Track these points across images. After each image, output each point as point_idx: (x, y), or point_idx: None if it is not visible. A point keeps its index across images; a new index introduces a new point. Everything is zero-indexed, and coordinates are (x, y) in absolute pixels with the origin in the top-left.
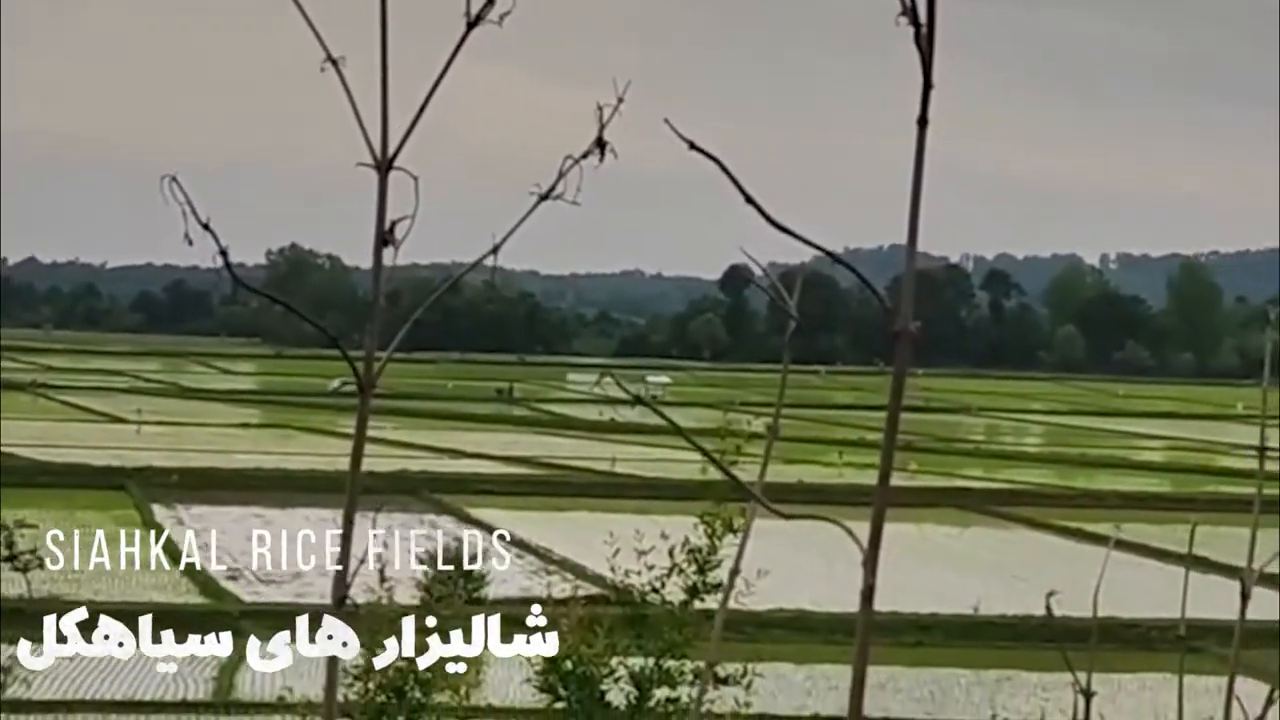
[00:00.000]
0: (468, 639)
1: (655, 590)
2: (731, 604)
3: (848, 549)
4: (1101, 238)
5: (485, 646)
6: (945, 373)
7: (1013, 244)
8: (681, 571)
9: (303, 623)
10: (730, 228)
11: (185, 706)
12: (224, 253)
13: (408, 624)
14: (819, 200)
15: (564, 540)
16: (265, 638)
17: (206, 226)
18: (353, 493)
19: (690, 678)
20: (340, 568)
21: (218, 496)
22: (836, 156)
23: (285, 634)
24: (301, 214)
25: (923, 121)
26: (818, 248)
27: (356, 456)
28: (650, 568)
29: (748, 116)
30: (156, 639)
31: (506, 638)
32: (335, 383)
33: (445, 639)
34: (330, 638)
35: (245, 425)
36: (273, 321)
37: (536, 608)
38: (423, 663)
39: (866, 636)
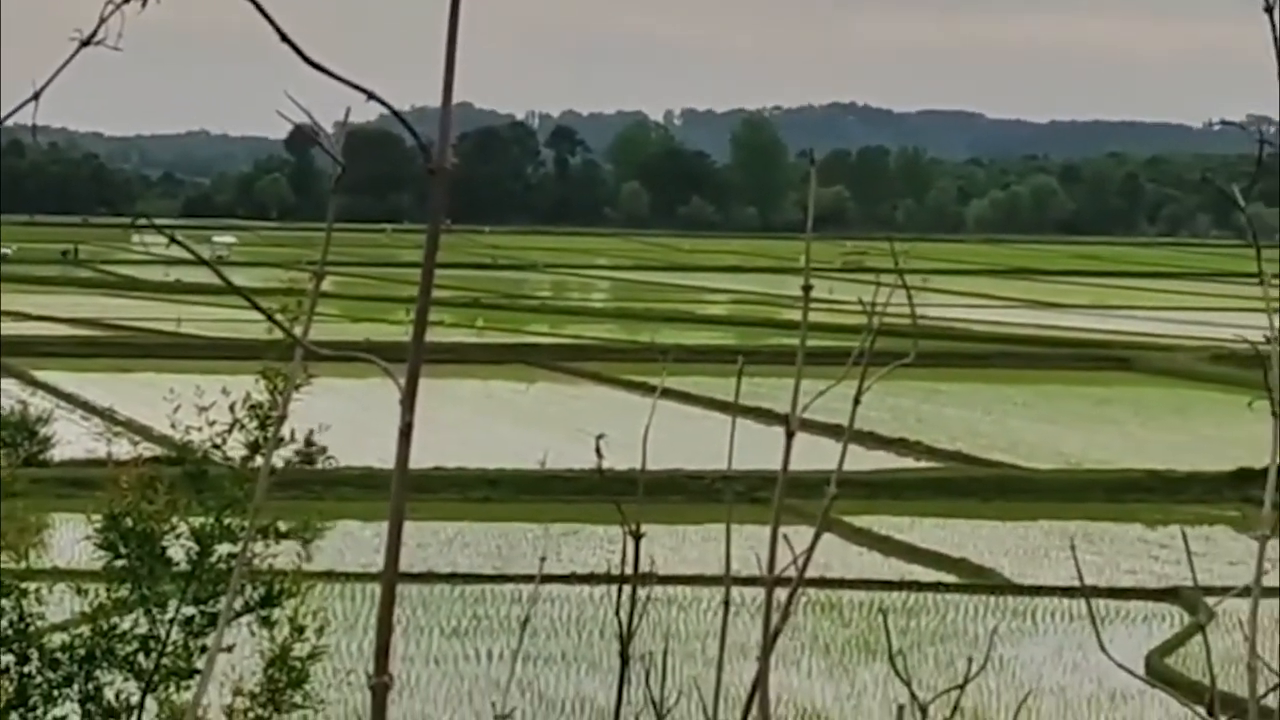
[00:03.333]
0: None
1: (216, 446)
2: (296, 461)
3: (421, 410)
4: (666, 94)
5: None
6: (511, 230)
7: (578, 101)
8: (243, 427)
9: None
10: (296, 88)
11: None
12: None
13: None
14: (386, 60)
15: (129, 401)
16: None
17: None
18: None
19: (253, 533)
20: None
21: None
22: (406, 17)
23: None
24: None
25: None
26: (357, 88)
27: None
28: (212, 423)
29: None
30: None
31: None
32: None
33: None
34: None
35: None
36: None
37: None
38: None
39: (404, 474)
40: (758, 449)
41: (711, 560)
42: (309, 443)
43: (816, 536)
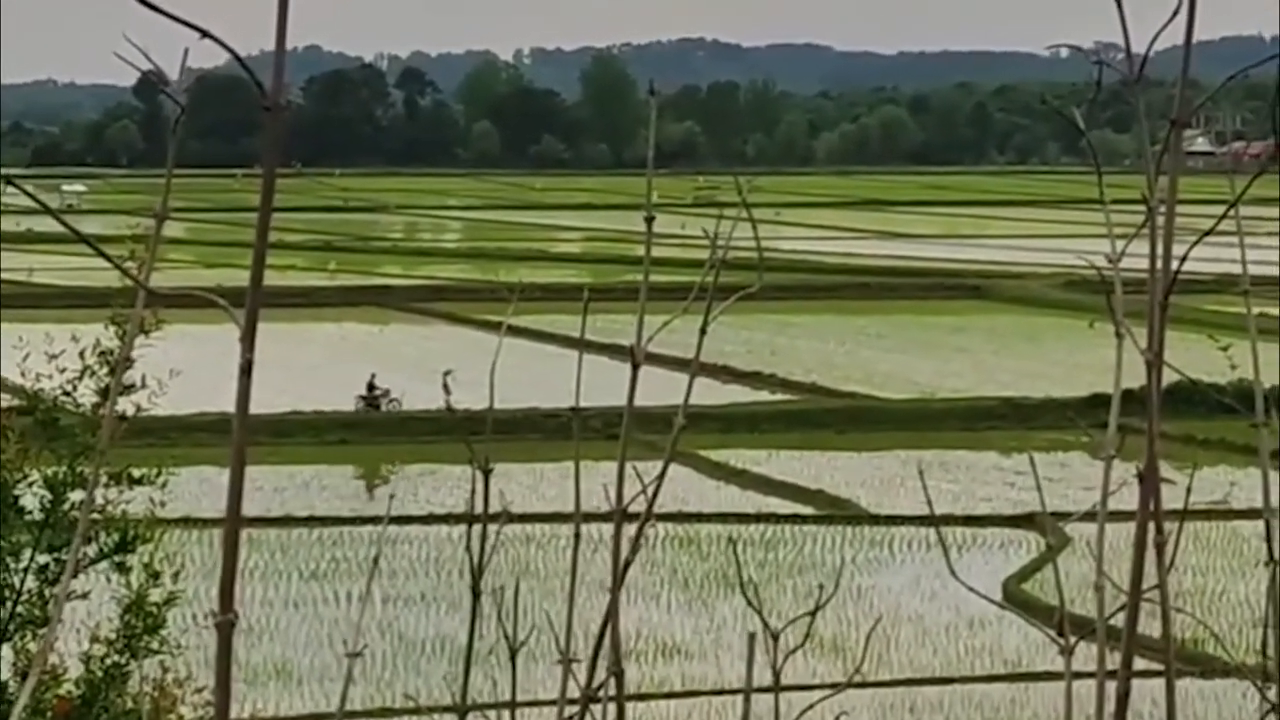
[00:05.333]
0: None
1: (67, 394)
2: (148, 407)
3: (276, 354)
4: (515, 33)
5: None
6: (362, 172)
7: (426, 42)
8: (94, 374)
9: None
10: (141, 33)
11: None
12: None
13: None
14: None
15: None
16: None
17: None
18: None
19: (105, 479)
20: None
21: None
22: None
23: None
24: None
25: None
26: (192, 26)
27: None
28: (62, 371)
29: None
30: None
31: None
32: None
33: None
34: None
35: None
36: None
37: None
38: None
39: (245, 411)
40: (614, 386)
41: (569, 497)
42: (371, 387)
43: (665, 466)
